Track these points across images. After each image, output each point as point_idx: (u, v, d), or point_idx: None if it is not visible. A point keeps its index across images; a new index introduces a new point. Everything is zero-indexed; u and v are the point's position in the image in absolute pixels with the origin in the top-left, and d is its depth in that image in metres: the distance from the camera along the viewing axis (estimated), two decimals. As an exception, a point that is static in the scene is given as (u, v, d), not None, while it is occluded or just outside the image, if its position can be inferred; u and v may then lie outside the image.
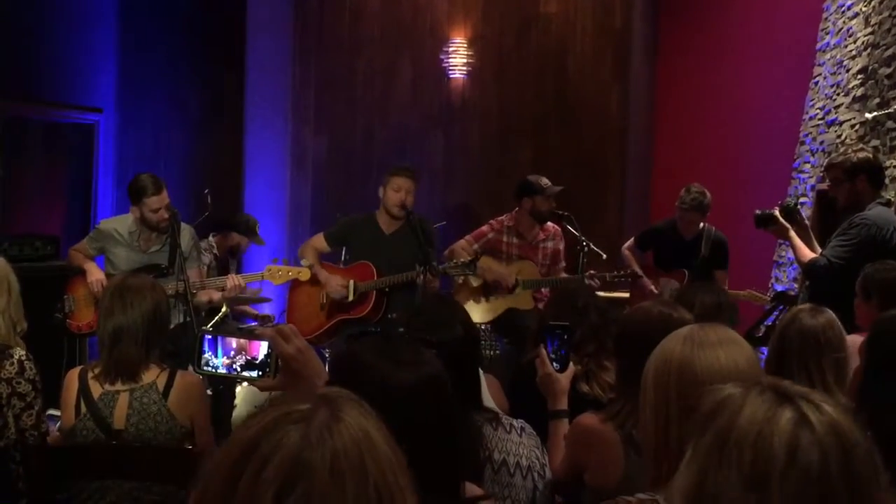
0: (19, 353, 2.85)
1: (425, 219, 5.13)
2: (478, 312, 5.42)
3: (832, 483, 1.07)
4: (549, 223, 5.64)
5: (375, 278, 4.91)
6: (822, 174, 5.87)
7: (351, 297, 4.96)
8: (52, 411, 3.43)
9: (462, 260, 4.95)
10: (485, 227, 5.68)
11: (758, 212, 4.53)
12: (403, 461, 1.02)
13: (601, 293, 5.60)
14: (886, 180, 4.78)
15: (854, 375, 2.43)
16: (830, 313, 2.74)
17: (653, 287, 5.53)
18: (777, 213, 4.47)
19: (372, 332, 4.67)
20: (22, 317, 2.99)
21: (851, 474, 1.08)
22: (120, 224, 4.87)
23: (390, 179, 4.97)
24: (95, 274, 4.76)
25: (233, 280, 4.80)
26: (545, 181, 5.51)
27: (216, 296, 4.80)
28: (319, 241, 5.16)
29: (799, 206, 4.78)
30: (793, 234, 4.42)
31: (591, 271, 5.28)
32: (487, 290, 5.53)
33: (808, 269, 4.33)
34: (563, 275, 5.62)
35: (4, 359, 2.81)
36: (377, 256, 4.96)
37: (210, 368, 1.79)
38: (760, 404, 1.13)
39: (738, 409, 1.13)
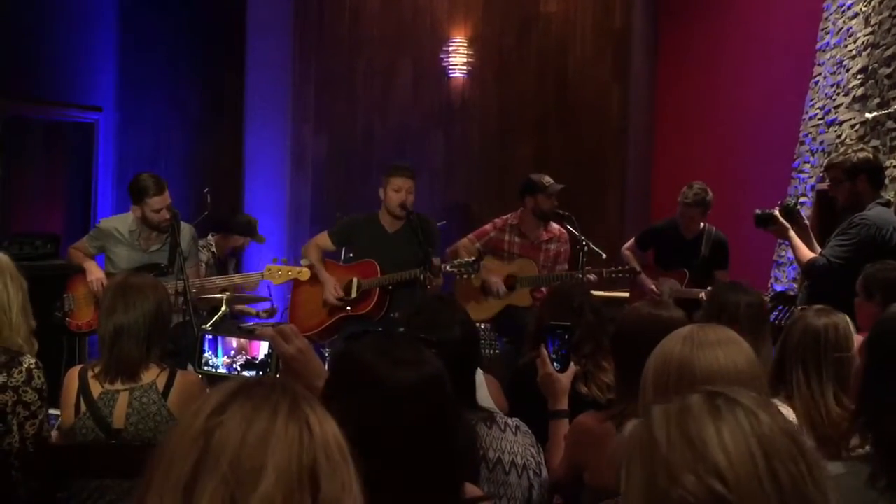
0: (29, 360, 2.81)
1: (427, 218, 5.13)
2: (477, 310, 5.42)
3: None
4: (555, 225, 5.64)
5: (379, 276, 4.92)
6: (821, 174, 5.87)
7: (354, 294, 4.97)
8: (51, 410, 3.43)
9: (465, 259, 4.96)
10: (487, 226, 5.68)
11: (758, 211, 4.53)
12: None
13: (601, 293, 5.60)
14: (886, 180, 4.78)
15: (854, 376, 2.43)
16: (841, 316, 2.72)
17: (652, 286, 5.53)
18: (777, 212, 4.46)
19: (372, 331, 4.67)
20: (30, 317, 2.98)
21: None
22: (120, 223, 4.87)
23: (389, 180, 4.96)
24: (95, 273, 4.76)
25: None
26: (547, 179, 5.52)
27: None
28: (324, 239, 5.16)
29: (799, 206, 4.77)
30: (792, 233, 4.42)
31: (589, 266, 5.28)
32: (486, 288, 5.54)
33: (808, 268, 4.33)
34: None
35: (13, 366, 2.77)
36: (381, 255, 4.96)
37: (210, 368, 1.79)
38: (666, 407, 1.13)
39: (648, 422, 1.13)
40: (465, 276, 5.09)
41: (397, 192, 4.92)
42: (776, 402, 2.49)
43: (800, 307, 4.19)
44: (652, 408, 1.15)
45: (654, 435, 1.11)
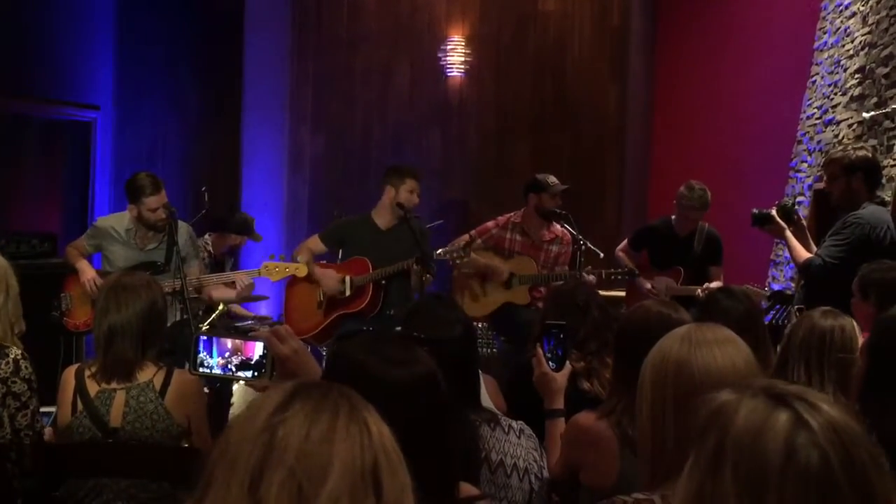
0: (15, 352, 2.84)
1: (419, 218, 5.17)
2: (475, 307, 5.44)
3: (835, 480, 1.05)
4: (559, 226, 5.64)
5: (371, 272, 4.94)
6: (819, 173, 5.88)
7: (348, 292, 4.97)
8: (46, 408, 3.42)
9: (456, 244, 5.00)
10: (490, 223, 5.69)
11: (755, 211, 4.52)
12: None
13: (599, 291, 5.60)
14: (883, 180, 4.78)
15: (856, 377, 2.42)
16: (848, 319, 2.72)
17: (649, 286, 5.52)
18: (774, 212, 4.46)
19: (364, 331, 4.68)
20: (20, 318, 2.98)
21: (854, 469, 1.06)
22: (117, 221, 4.86)
23: (405, 181, 4.99)
24: (87, 273, 4.74)
25: (242, 280, 4.81)
26: (552, 179, 5.52)
27: (231, 294, 4.82)
28: (315, 242, 5.17)
29: (796, 206, 4.78)
30: (789, 234, 4.42)
31: (589, 266, 5.29)
32: (484, 284, 5.54)
33: (804, 269, 4.33)
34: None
35: (0, 358, 2.80)
36: (374, 253, 4.98)
37: (205, 369, 1.78)
38: (754, 409, 1.11)
39: (732, 415, 1.12)
40: (457, 261, 5.13)
41: (411, 192, 4.97)
42: None
43: (797, 307, 4.19)
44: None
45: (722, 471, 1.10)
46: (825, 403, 1.11)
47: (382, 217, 5.06)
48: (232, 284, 4.91)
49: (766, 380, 1.19)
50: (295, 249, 5.31)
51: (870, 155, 4.34)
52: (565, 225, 5.57)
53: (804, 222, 4.68)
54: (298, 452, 1.06)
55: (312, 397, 1.12)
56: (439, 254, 4.92)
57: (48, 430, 3.02)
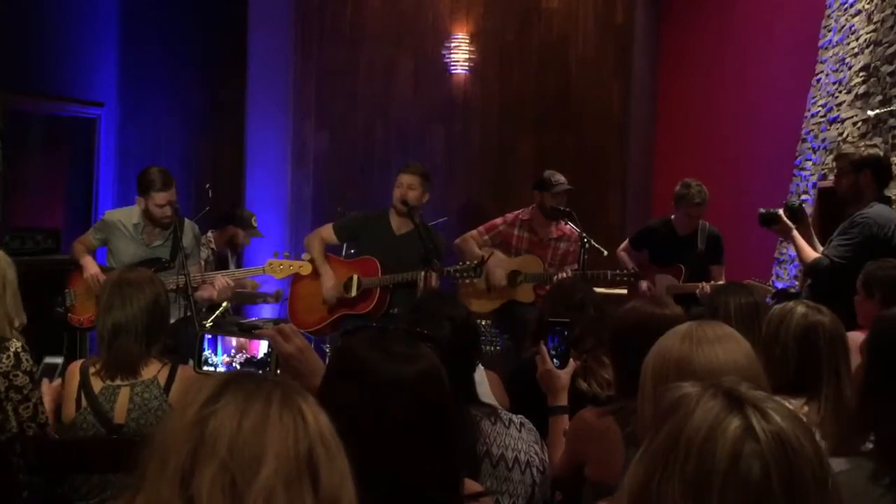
0: (15, 345, 2.86)
1: (436, 232, 5.20)
2: (479, 304, 5.43)
3: (773, 494, 1.05)
4: (566, 224, 5.64)
5: (380, 275, 4.91)
6: (823, 171, 5.87)
7: (354, 293, 4.96)
8: (51, 358, 3.44)
9: (468, 263, 4.96)
10: (498, 220, 5.69)
11: (762, 210, 4.51)
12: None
13: (602, 289, 5.60)
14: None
15: (856, 374, 2.41)
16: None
17: (645, 287, 5.52)
18: (781, 212, 4.45)
19: (367, 327, 4.66)
20: (20, 311, 2.99)
21: (793, 485, 1.06)
22: (125, 216, 4.87)
23: (398, 177, 5.00)
24: (90, 269, 4.75)
25: (221, 281, 4.78)
26: (557, 178, 5.52)
27: (208, 293, 4.79)
28: (328, 232, 5.14)
29: (802, 205, 4.76)
30: (796, 234, 4.41)
31: (595, 271, 5.30)
32: (489, 279, 5.55)
33: (811, 269, 4.32)
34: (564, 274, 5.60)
35: (0, 352, 2.81)
36: (385, 255, 4.95)
37: (210, 367, 1.79)
38: (710, 409, 1.10)
39: (689, 412, 1.11)
40: (467, 281, 5.12)
41: (398, 187, 4.96)
42: (793, 402, 2.43)
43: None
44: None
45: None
46: (779, 414, 1.09)
47: (395, 219, 5.05)
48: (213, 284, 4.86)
49: (732, 379, 1.18)
50: (307, 237, 5.28)
51: (881, 154, 4.33)
52: (569, 222, 5.57)
53: (809, 221, 4.67)
54: (230, 444, 1.04)
55: (244, 388, 1.09)
56: (449, 272, 4.88)
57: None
